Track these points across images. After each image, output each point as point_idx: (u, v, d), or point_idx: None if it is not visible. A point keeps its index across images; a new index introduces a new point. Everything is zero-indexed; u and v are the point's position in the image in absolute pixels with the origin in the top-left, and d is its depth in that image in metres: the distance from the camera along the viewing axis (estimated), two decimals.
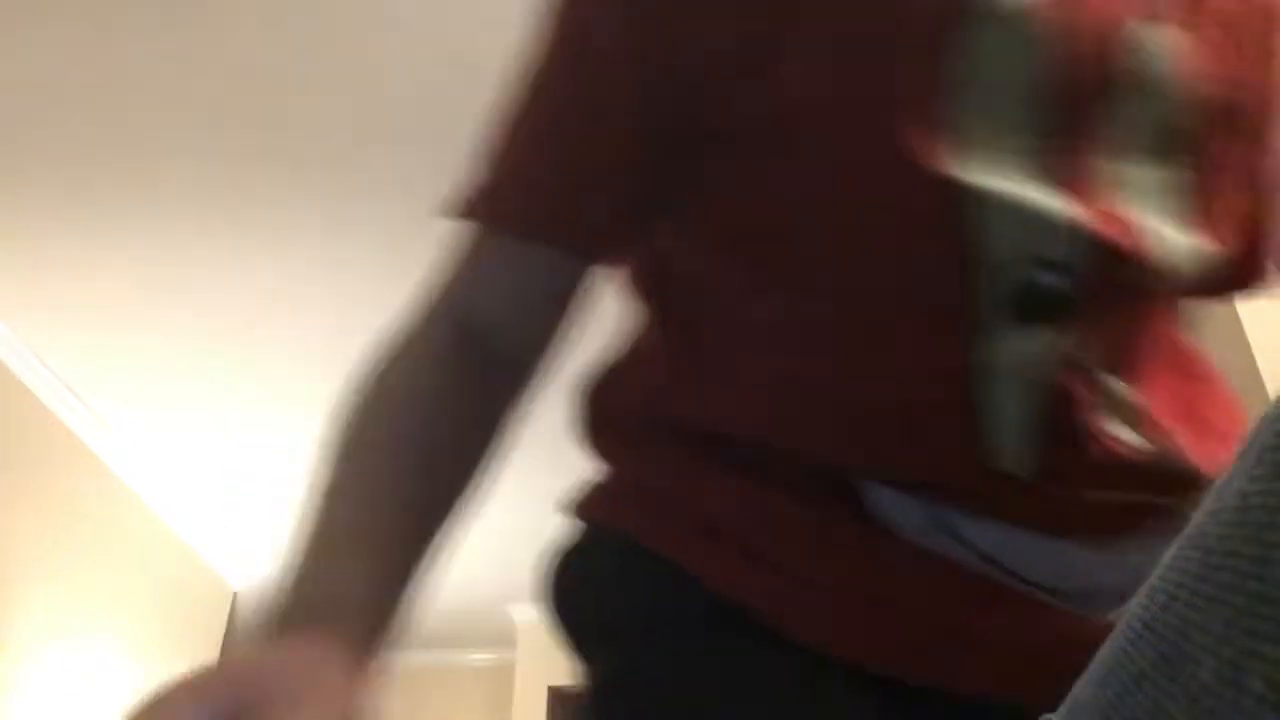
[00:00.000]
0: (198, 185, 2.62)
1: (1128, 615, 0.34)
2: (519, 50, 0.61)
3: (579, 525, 0.69)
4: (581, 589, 0.69)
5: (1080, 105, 0.52)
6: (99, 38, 2.21)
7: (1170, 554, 0.33)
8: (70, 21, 2.17)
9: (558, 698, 5.22)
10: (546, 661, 5.23)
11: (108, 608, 3.83)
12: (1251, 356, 2.29)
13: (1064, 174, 0.52)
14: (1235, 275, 0.58)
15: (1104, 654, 0.35)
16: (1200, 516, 0.32)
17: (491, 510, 4.53)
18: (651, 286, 0.66)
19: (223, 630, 4.75)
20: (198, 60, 2.26)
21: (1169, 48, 0.54)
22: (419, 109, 2.39)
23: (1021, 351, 0.51)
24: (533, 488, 4.09)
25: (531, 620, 5.32)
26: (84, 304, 3.07)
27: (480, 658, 5.83)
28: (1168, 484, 0.53)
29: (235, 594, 4.92)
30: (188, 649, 4.43)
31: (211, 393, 3.47)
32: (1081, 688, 0.36)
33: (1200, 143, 0.55)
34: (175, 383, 3.42)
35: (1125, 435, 0.53)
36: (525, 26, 0.63)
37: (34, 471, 3.42)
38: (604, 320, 0.72)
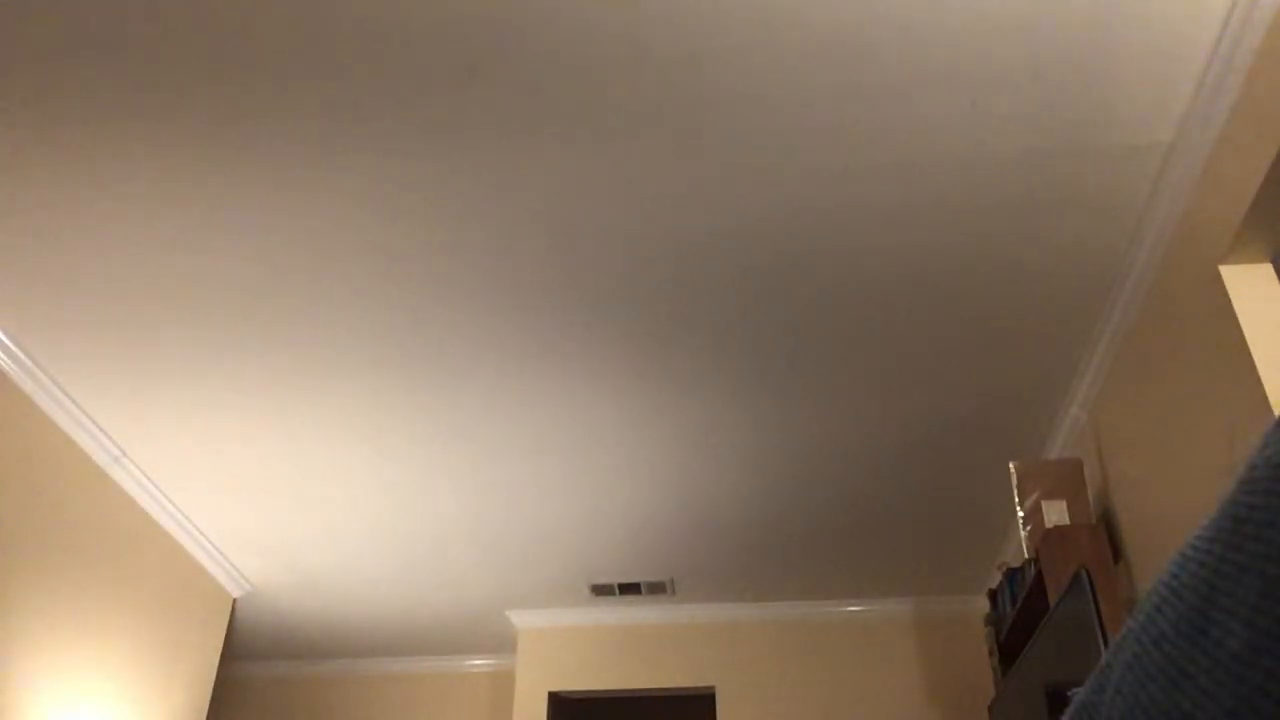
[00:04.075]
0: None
1: (1156, 582, 0.34)
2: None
3: None
4: None
5: None
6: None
7: (1202, 524, 0.33)
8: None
9: (558, 703, 5.21)
10: (547, 667, 5.23)
11: (109, 615, 3.83)
12: (1252, 360, 2.29)
13: None
14: None
15: (1130, 621, 0.35)
16: (1234, 485, 0.32)
17: (494, 518, 4.54)
18: None
19: (222, 637, 4.75)
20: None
21: None
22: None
23: None
24: (534, 496, 4.09)
25: (532, 626, 5.31)
26: (87, 315, 3.07)
27: (481, 663, 5.83)
28: None
29: (235, 601, 4.92)
30: (188, 657, 4.42)
31: (214, 402, 3.46)
32: (1108, 654, 0.36)
33: None
34: (177, 392, 3.41)
35: None
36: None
37: (35, 479, 3.42)
38: None
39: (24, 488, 3.37)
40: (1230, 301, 2.33)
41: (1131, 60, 2.25)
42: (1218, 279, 2.37)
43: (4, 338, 3.18)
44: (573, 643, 5.26)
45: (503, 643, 5.62)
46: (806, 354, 3.25)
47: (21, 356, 3.24)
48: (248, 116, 2.41)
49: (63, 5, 2.14)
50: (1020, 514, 3.33)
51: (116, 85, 2.33)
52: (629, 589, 5.00)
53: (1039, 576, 3.23)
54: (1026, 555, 3.36)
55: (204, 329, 3.13)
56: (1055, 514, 3.23)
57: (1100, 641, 2.60)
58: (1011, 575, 3.75)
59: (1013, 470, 3.37)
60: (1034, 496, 3.30)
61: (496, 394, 3.45)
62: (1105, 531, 3.16)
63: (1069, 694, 2.81)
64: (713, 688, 5.10)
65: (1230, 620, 0.29)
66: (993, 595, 4.02)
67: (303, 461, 3.83)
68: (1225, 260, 2.35)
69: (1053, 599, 3.07)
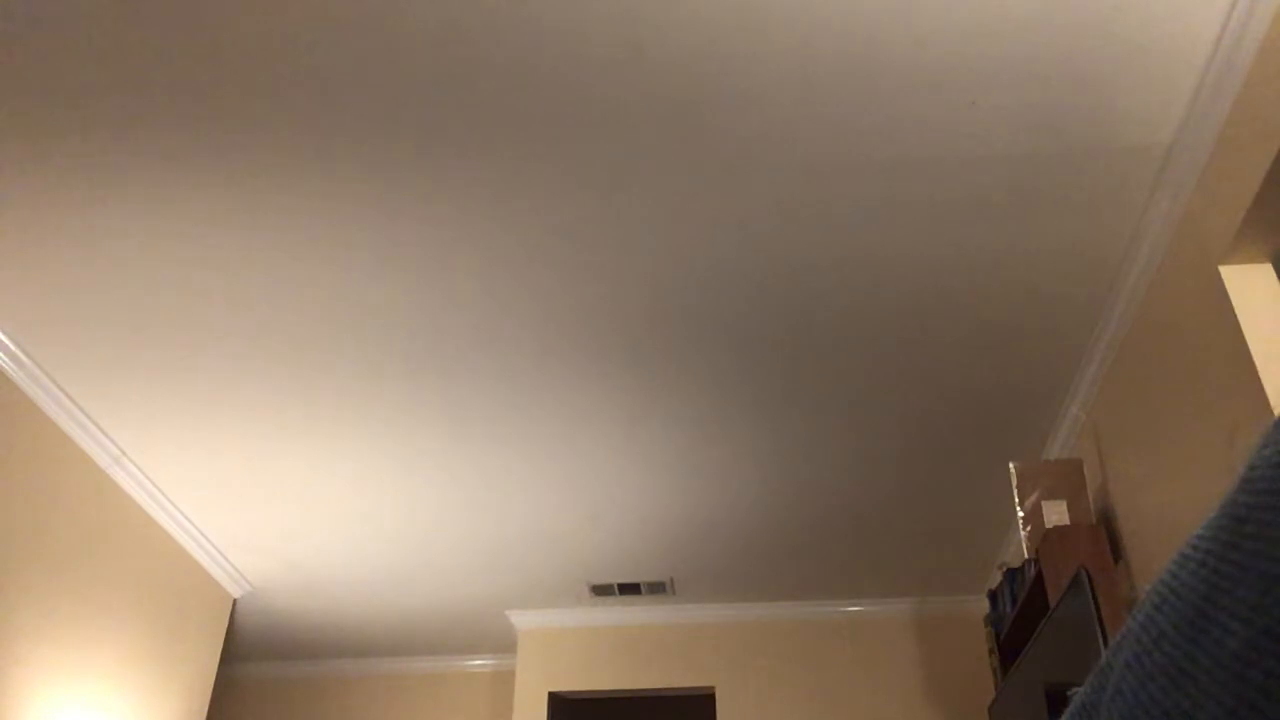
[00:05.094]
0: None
1: (1156, 581, 0.34)
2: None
3: None
4: None
5: None
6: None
7: (1202, 524, 0.33)
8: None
9: (558, 703, 5.21)
10: (547, 667, 5.23)
11: (109, 615, 3.83)
12: (1252, 360, 2.29)
13: None
14: None
15: (1130, 620, 0.35)
16: (1234, 484, 0.32)
17: (493, 518, 4.53)
18: None
19: (222, 637, 4.75)
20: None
21: None
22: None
23: None
24: (534, 497, 4.09)
25: (532, 626, 5.31)
26: (88, 316, 3.07)
27: (481, 663, 5.82)
28: None
29: (235, 601, 4.92)
30: (188, 657, 4.42)
31: (215, 402, 3.46)
32: (1107, 653, 0.36)
33: None
34: (177, 392, 3.41)
35: None
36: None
37: (35, 480, 3.42)
38: None
39: (24, 488, 3.37)
40: (1230, 301, 2.33)
41: (1132, 60, 2.25)
42: (1218, 279, 2.37)
43: (4, 338, 3.18)
44: (573, 643, 5.26)
45: (503, 643, 5.62)
46: (806, 354, 3.25)
47: (22, 357, 3.24)
48: (249, 120, 2.41)
49: (67, 7, 2.14)
50: (1020, 514, 3.33)
51: (118, 89, 2.33)
52: (629, 589, 5.00)
53: (1039, 576, 3.23)
54: (1026, 555, 3.36)
55: (204, 330, 3.13)
56: (1055, 514, 3.23)
57: (1100, 641, 2.60)
58: (1011, 575, 3.75)
59: (1013, 470, 3.37)
60: (1034, 496, 3.30)
61: (497, 394, 3.45)
62: (1105, 531, 3.16)
63: (1069, 694, 2.81)
64: (713, 688, 5.10)
65: (1230, 620, 0.29)
66: (993, 595, 4.02)
67: (303, 462, 3.83)
68: (1225, 260, 2.35)
69: (1053, 599, 3.07)
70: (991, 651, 4.01)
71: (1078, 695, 0.39)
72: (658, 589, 5.01)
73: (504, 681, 5.77)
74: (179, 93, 2.35)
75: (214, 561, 4.54)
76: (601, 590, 5.01)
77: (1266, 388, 2.20)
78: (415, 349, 3.22)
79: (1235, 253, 2.32)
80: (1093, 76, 2.29)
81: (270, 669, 5.84)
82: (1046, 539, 3.16)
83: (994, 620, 3.99)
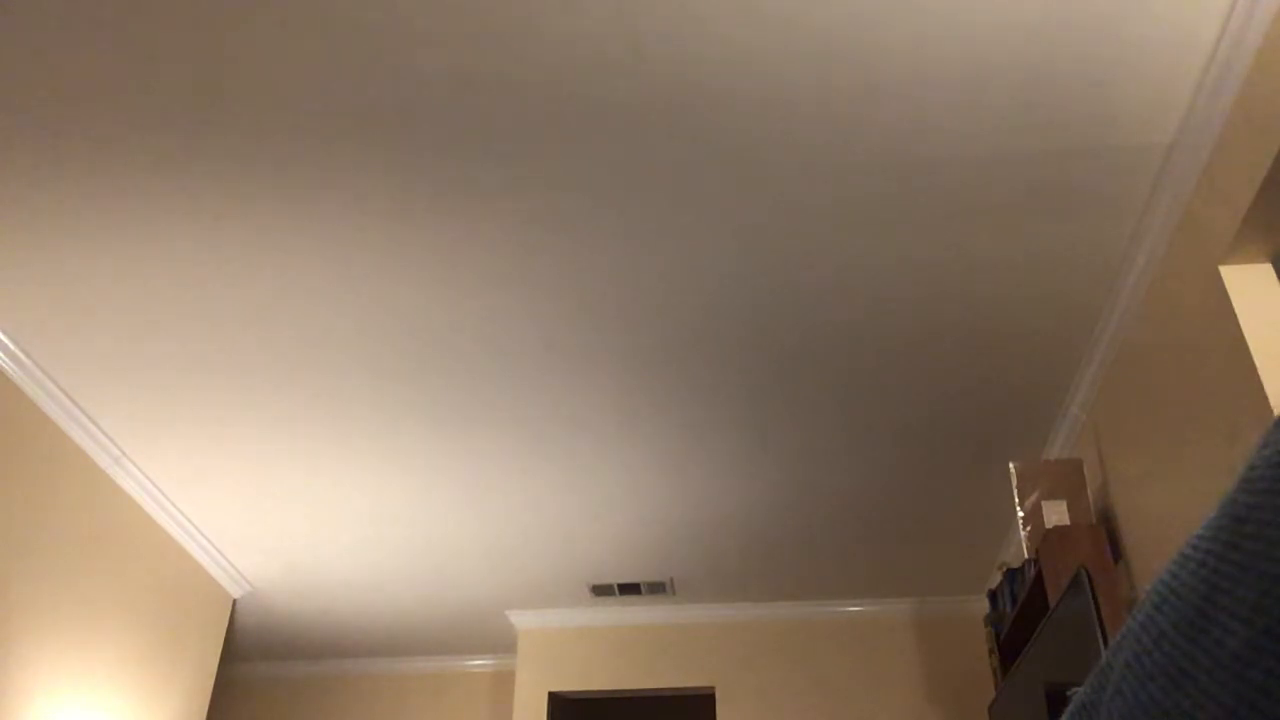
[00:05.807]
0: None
1: (1156, 581, 0.34)
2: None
3: None
4: None
5: None
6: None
7: (1203, 523, 0.33)
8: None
9: (558, 703, 5.21)
10: (547, 667, 5.23)
11: (108, 616, 3.83)
12: (1252, 360, 2.29)
13: None
14: None
15: (1130, 620, 0.35)
16: (1234, 484, 0.32)
17: (494, 518, 4.53)
18: None
19: (222, 638, 4.75)
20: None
21: None
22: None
23: None
24: (534, 497, 4.09)
25: (532, 626, 5.31)
26: (88, 317, 3.07)
27: (481, 663, 5.83)
28: None
29: (234, 601, 4.92)
30: (188, 657, 4.42)
31: (215, 403, 3.46)
32: (1107, 653, 0.36)
33: None
34: (177, 393, 3.42)
35: None
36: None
37: (36, 480, 3.42)
38: None
39: (24, 489, 3.37)
40: (1230, 301, 2.33)
41: (1131, 60, 2.25)
42: (1218, 279, 2.37)
43: (5, 338, 3.18)
44: (573, 643, 5.26)
45: (503, 643, 5.62)
46: (806, 354, 3.25)
47: (22, 357, 3.24)
48: (251, 123, 2.41)
49: (68, 10, 2.14)
50: (1020, 514, 3.33)
51: (120, 91, 2.33)
52: (629, 589, 5.00)
53: (1039, 576, 3.23)
54: (1026, 555, 3.36)
55: (205, 330, 3.13)
56: (1055, 514, 3.23)
57: (1100, 641, 2.60)
58: (1011, 575, 3.75)
59: (1013, 470, 3.37)
60: (1034, 496, 3.30)
61: (497, 394, 3.45)
62: (1105, 531, 3.16)
63: (1069, 694, 2.81)
64: (713, 688, 5.10)
65: (1230, 620, 0.29)
66: (993, 595, 4.02)
67: (303, 462, 3.83)
68: (1225, 260, 2.35)
69: (1053, 599, 3.07)
70: (991, 651, 4.01)
71: (1078, 695, 0.39)
72: (658, 589, 5.01)
73: (504, 681, 5.77)
74: (181, 95, 2.35)
75: (214, 562, 4.54)
76: (601, 590, 5.01)
77: (1266, 388, 2.20)
78: (415, 349, 3.22)
79: (1235, 253, 2.32)
80: (1093, 76, 2.29)
81: (270, 669, 5.84)
82: (1046, 539, 3.16)
83: (994, 620, 3.99)
